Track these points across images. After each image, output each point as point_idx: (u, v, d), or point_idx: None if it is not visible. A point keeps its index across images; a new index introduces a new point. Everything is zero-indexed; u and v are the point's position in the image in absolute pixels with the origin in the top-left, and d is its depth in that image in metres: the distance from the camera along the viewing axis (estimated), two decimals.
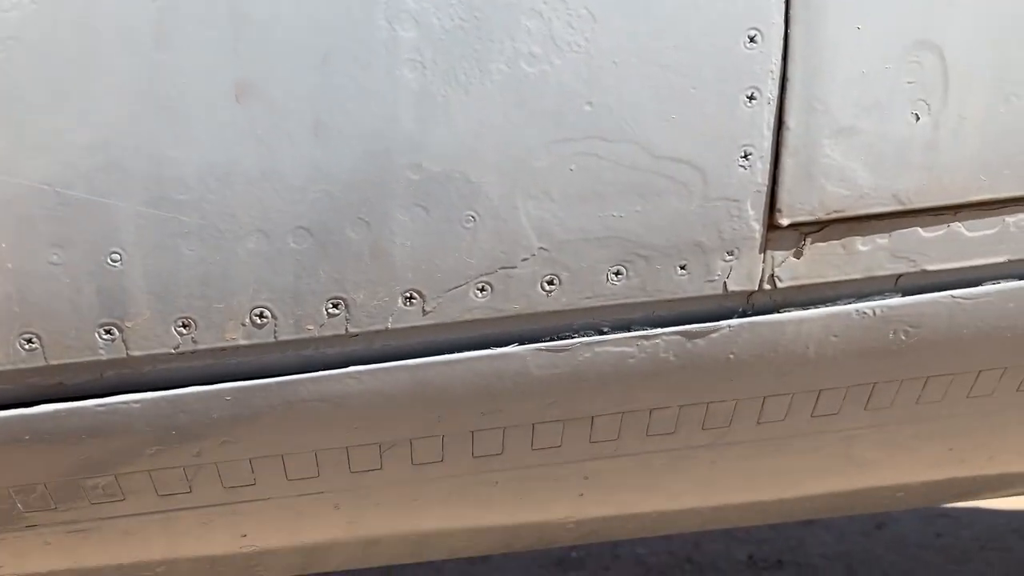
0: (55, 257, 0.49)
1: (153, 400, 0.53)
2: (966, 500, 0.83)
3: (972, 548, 3.41)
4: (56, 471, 0.56)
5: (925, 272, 0.58)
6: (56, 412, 0.53)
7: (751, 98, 0.53)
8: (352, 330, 0.53)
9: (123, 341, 0.52)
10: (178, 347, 0.52)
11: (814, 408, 0.62)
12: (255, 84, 0.48)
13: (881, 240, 0.57)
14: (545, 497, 0.68)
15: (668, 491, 0.71)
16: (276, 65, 0.49)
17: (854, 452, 0.67)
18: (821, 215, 0.55)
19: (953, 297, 0.58)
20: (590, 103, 0.51)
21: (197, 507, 0.60)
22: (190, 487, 0.58)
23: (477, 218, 0.52)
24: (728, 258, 0.55)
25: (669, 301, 0.56)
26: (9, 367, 0.51)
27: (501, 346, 0.55)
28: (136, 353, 0.52)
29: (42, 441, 0.53)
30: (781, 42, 0.53)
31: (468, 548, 0.76)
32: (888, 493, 0.79)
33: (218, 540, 0.65)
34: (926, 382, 0.62)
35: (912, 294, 0.58)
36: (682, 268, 0.55)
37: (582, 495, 0.67)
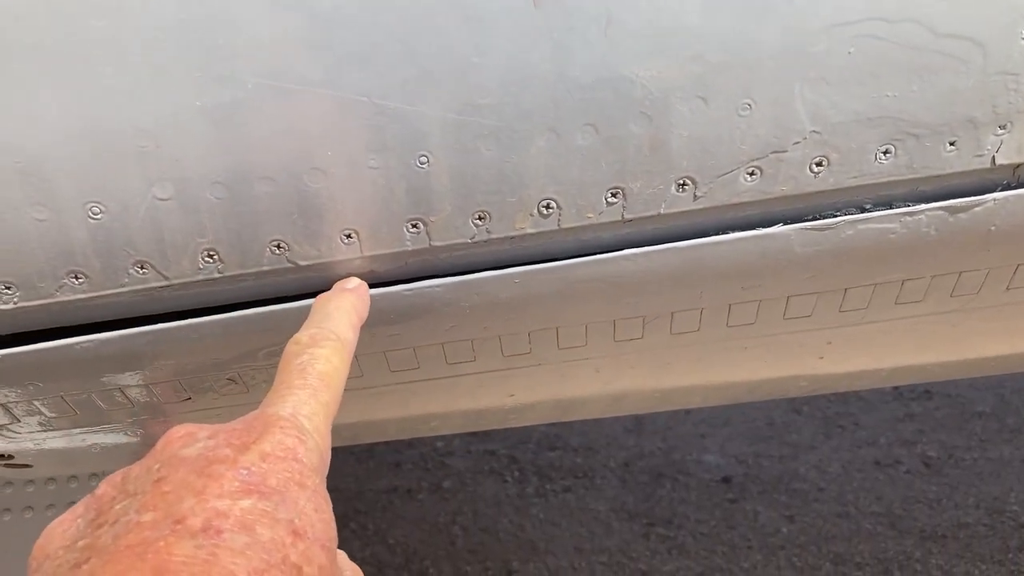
0: (372, 162, 0.54)
1: (452, 284, 0.60)
2: None
3: None
4: (366, 348, 0.63)
5: None
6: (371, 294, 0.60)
7: None
8: (628, 216, 0.57)
9: (427, 233, 0.57)
10: (474, 237, 0.58)
11: None
12: None
13: None
14: (787, 360, 0.72)
15: (904, 352, 0.74)
16: None
17: None
18: None
19: None
20: None
21: (478, 372, 0.68)
22: (475, 356, 0.66)
23: (753, 105, 0.54)
24: (1000, 132, 0.55)
25: (935, 177, 0.57)
26: (329, 260, 0.58)
27: (767, 227, 0.58)
28: (438, 243, 0.58)
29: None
30: None
31: (705, 400, 0.83)
32: None
33: (488, 398, 0.74)
34: None
35: None
36: (951, 144, 0.56)
37: (822, 358, 0.71)
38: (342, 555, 0.46)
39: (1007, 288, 0.64)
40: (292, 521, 0.40)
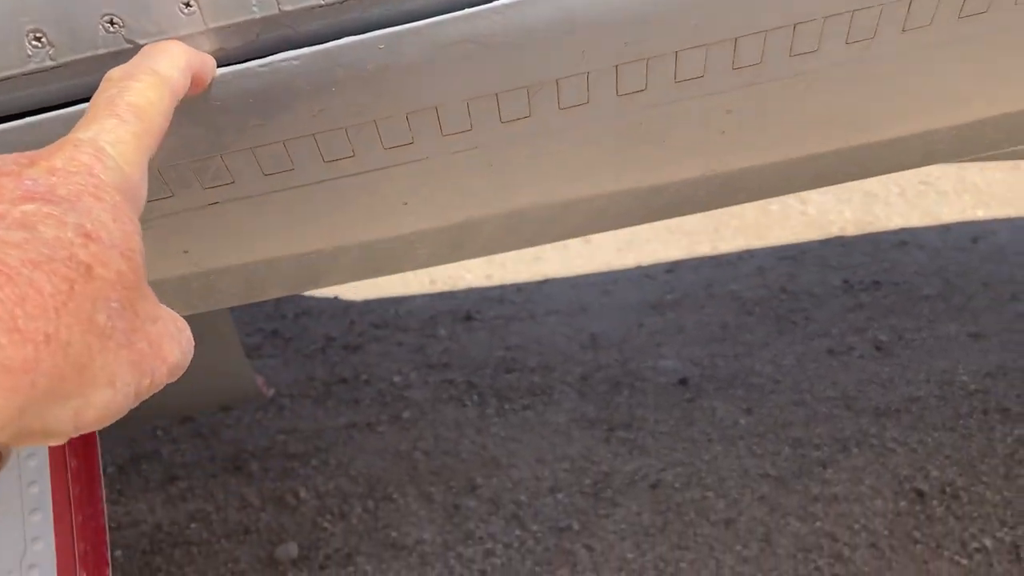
0: None
1: (309, 55, 0.54)
2: None
3: None
4: (232, 146, 0.58)
5: None
6: (218, 77, 0.55)
7: None
8: None
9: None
10: None
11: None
12: None
13: None
14: (689, 141, 0.68)
15: (809, 130, 0.70)
16: None
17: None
18: None
19: None
20: None
21: (360, 172, 0.63)
22: (352, 150, 0.61)
23: None
24: None
25: None
26: (171, 35, 0.53)
27: None
28: (287, 7, 0.53)
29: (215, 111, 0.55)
30: None
31: (613, 219, 0.79)
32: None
33: (381, 211, 0.69)
34: None
35: None
36: None
37: (724, 133, 0.67)
38: (165, 308, 0.42)
39: (902, 30, 0.60)
40: (83, 225, 0.36)
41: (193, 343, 0.44)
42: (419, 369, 3.15)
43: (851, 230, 3.79)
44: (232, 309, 4.18)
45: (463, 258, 0.81)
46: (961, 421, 2.35)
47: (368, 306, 3.89)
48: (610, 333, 3.21)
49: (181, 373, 0.43)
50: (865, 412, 2.45)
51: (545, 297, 3.69)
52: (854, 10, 0.58)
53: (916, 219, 3.81)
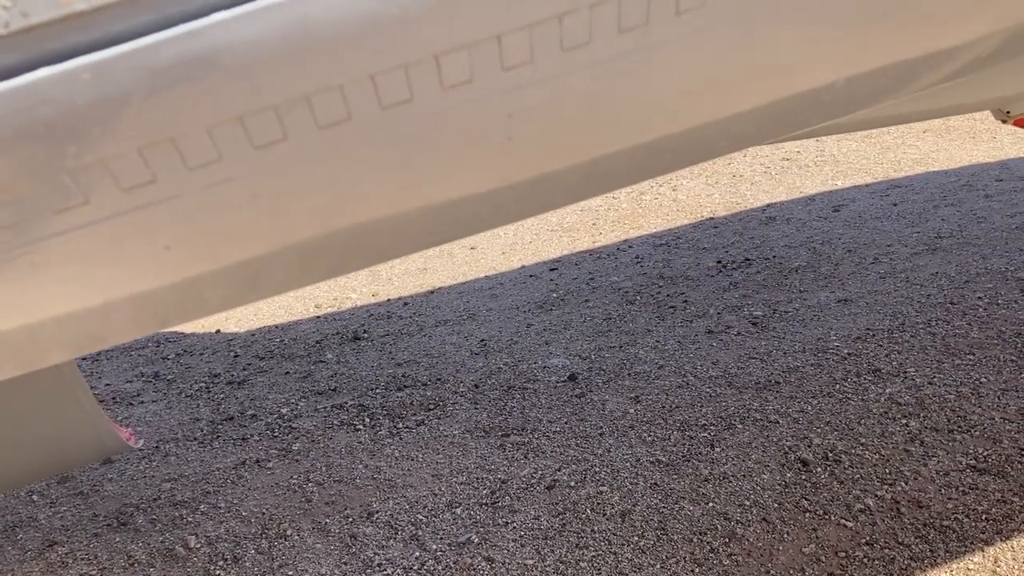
0: None
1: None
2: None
3: (927, 208, 3.57)
4: None
5: None
6: None
7: None
8: None
9: None
10: (7, 25, 0.47)
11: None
12: None
13: None
14: (469, 152, 0.64)
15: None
16: None
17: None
18: None
19: None
20: None
21: (96, 221, 0.56)
22: (86, 199, 0.55)
23: None
24: None
25: None
26: None
27: None
28: None
29: None
30: None
31: (411, 237, 0.74)
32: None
33: (140, 259, 0.61)
34: None
35: None
36: None
37: (510, 139, 0.64)
38: None
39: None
40: None
41: None
42: (308, 397, 3.06)
43: (721, 211, 3.89)
44: (107, 354, 3.95)
45: (264, 297, 0.76)
46: (837, 386, 2.42)
47: (252, 337, 3.77)
48: (499, 337, 3.19)
49: None
50: (747, 388, 2.50)
51: (433, 308, 3.65)
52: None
53: (781, 194, 3.94)
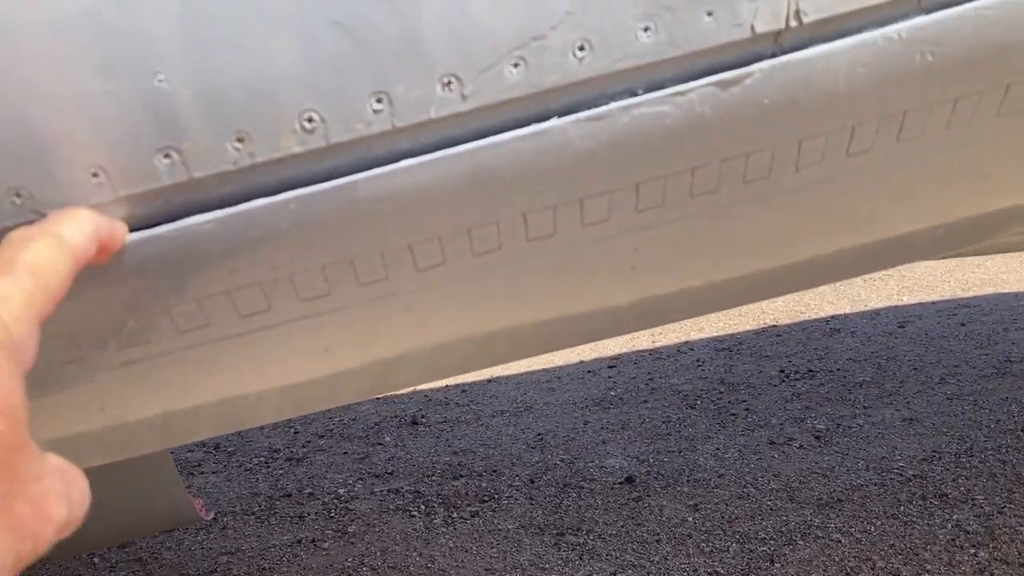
0: (103, 85, 0.50)
1: (222, 218, 0.55)
2: (993, 237, 0.86)
3: (996, 331, 3.51)
4: (147, 309, 0.58)
5: None
6: (129, 243, 0.55)
7: None
8: (398, 124, 0.55)
9: (183, 164, 0.53)
10: (236, 163, 0.54)
11: (848, 147, 0.64)
12: None
13: None
14: (599, 278, 0.71)
15: (715, 258, 0.74)
16: None
17: (894, 184, 0.69)
18: None
19: (976, 10, 0.59)
20: None
21: (278, 324, 0.63)
22: (268, 304, 0.61)
23: None
24: None
25: (699, 53, 0.57)
26: (79, 205, 0.53)
27: (541, 122, 0.57)
28: (198, 174, 0.54)
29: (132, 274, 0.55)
30: None
31: (529, 348, 0.80)
32: (920, 237, 0.82)
33: (301, 359, 0.69)
34: (955, 104, 0.63)
35: (935, 12, 0.59)
36: (709, 15, 0.56)
37: (633, 268, 0.70)
38: (58, 458, 0.41)
39: (796, 169, 0.64)
40: None
41: (88, 493, 0.42)
42: (364, 479, 3.08)
43: (784, 319, 3.88)
44: None
45: (390, 390, 0.82)
46: (902, 508, 2.37)
47: (312, 415, 3.83)
48: (556, 432, 3.19)
49: (74, 527, 0.41)
50: (808, 503, 2.46)
51: (491, 397, 3.68)
52: (746, 154, 0.62)
53: (846, 306, 3.93)
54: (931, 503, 2.39)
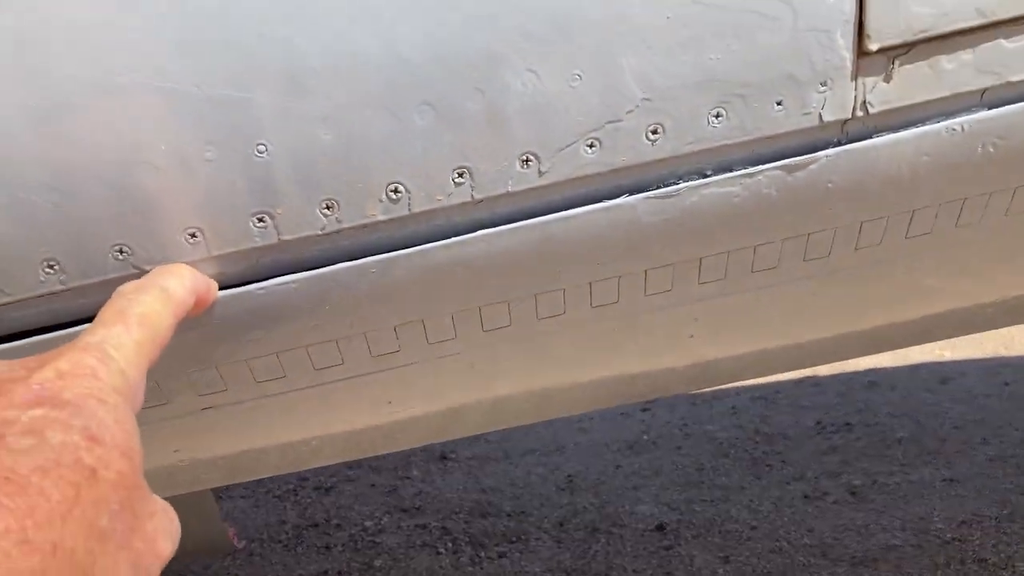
0: (207, 154, 0.54)
1: (307, 279, 0.59)
2: None
3: None
4: (227, 359, 0.62)
5: (1009, 84, 0.60)
6: (220, 299, 0.58)
7: None
8: (477, 196, 0.58)
9: (275, 227, 0.57)
10: (324, 228, 0.57)
11: (908, 229, 0.66)
12: None
13: (966, 56, 0.59)
14: (658, 341, 0.73)
15: (772, 327, 0.75)
16: None
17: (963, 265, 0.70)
18: (908, 37, 0.57)
19: None
20: None
21: (348, 377, 0.66)
22: (342, 358, 0.64)
23: (583, 76, 0.55)
24: (822, 89, 0.58)
25: (768, 138, 0.59)
26: (176, 262, 0.57)
27: (612, 198, 0.60)
28: (287, 237, 0.57)
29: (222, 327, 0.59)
30: None
31: (585, 402, 0.82)
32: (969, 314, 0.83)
33: (365, 409, 0.72)
34: (1014, 193, 0.65)
35: (998, 107, 0.61)
36: (778, 104, 0.58)
37: (692, 336, 0.72)
38: (159, 500, 0.43)
39: (855, 248, 0.66)
40: (88, 427, 0.38)
41: (179, 530, 0.45)
42: (392, 513, 3.09)
43: (823, 371, 3.85)
44: None
45: (447, 438, 0.84)
46: (939, 572, 2.33)
47: None
48: (586, 474, 3.18)
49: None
50: (842, 561, 2.43)
51: (521, 436, 3.67)
52: (808, 233, 0.64)
53: (886, 360, 3.89)
54: (969, 567, 2.35)
